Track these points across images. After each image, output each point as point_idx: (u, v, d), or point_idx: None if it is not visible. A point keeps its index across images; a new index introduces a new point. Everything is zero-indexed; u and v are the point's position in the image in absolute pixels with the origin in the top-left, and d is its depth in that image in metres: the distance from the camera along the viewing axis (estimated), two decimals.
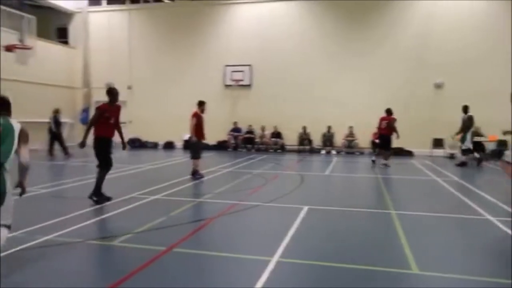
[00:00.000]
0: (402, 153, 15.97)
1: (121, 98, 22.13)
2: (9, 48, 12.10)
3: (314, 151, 17.42)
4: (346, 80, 17.51)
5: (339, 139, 17.47)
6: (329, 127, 17.47)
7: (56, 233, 4.95)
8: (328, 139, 17.48)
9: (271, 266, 3.91)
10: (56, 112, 15.02)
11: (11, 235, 4.79)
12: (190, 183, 9.09)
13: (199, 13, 19.18)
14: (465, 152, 12.67)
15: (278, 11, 18.32)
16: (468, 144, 12.50)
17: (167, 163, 13.20)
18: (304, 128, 17.61)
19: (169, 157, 14.70)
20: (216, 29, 19.02)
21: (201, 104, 9.99)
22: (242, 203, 6.90)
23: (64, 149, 14.77)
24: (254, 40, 18.46)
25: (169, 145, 19.16)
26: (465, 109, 12.55)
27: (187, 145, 10.02)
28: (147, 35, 19.92)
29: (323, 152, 17.23)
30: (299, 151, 17.53)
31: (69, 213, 5.97)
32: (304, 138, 17.72)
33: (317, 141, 17.72)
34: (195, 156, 9.75)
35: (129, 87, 19.88)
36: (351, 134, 17.34)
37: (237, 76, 18.55)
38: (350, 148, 17.24)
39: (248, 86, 18.66)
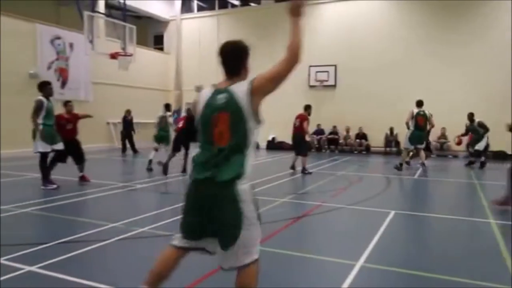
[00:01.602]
0: (506, 157, 14.48)
1: None
2: (113, 56, 13.35)
3: (401, 153, 16.55)
4: (437, 78, 16.44)
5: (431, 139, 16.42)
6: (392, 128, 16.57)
7: (150, 225, 5.37)
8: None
9: (355, 271, 3.84)
10: (127, 113, 16.29)
11: (112, 225, 5.34)
12: (273, 183, 9.23)
13: (284, 15, 19.17)
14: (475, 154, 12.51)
15: (364, 9, 17.79)
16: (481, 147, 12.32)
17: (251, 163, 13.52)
18: (391, 129, 16.86)
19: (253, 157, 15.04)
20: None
21: (307, 108, 10.96)
22: (325, 204, 6.85)
23: (132, 147, 16.01)
24: (339, 39, 18.15)
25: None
26: (472, 116, 12.61)
27: (294, 144, 10.97)
28: (234, 38, 20.35)
29: (411, 154, 16.33)
30: (385, 153, 16.84)
31: (163, 207, 6.43)
32: (391, 140, 16.97)
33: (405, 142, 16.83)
34: (305, 153, 10.64)
35: None
36: (443, 136, 16.21)
37: (322, 76, 18.39)
38: (442, 150, 16.12)
39: (333, 86, 18.39)
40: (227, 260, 2.63)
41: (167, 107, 12.00)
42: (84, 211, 6.52)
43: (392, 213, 6.22)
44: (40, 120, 7.65)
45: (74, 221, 5.70)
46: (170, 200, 7.24)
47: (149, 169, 10.89)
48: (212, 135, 2.50)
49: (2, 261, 3.93)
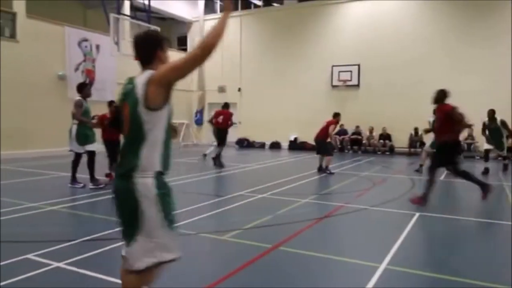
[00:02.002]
0: None
1: (231, 100, 23.46)
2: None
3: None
4: (460, 78, 16.02)
5: None
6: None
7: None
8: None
9: (378, 273, 3.79)
10: None
11: None
12: (295, 183, 9.20)
13: (306, 15, 19.28)
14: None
15: (387, 8, 17.53)
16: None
17: (273, 162, 13.54)
18: (416, 129, 16.53)
19: (275, 157, 15.04)
20: (324, 29, 18.92)
21: (336, 115, 11.22)
22: (348, 205, 6.78)
23: None
24: (362, 39, 17.94)
25: (275, 145, 19.60)
26: (493, 114, 11.04)
27: (317, 146, 11.24)
28: (257, 38, 20.65)
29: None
30: (409, 154, 16.53)
31: (185, 207, 6.50)
32: (415, 140, 16.64)
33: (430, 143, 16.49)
34: (330, 153, 10.81)
35: (239, 90, 20.85)
36: (470, 136, 15.78)
37: (345, 76, 18.22)
38: (469, 151, 15.70)
39: (356, 86, 18.19)
40: (124, 260, 2.46)
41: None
42: (108, 209, 6.65)
43: (417, 215, 6.10)
44: (76, 121, 7.88)
45: (99, 219, 5.83)
46: (192, 199, 7.31)
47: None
48: (124, 126, 2.45)
49: (31, 257, 4.06)
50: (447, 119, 6.65)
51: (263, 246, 4.55)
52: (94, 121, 8.38)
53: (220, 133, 12.18)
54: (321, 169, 10.80)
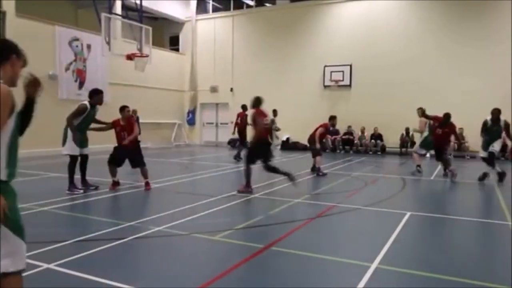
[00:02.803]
0: None
1: (223, 100, 23.36)
2: (129, 57, 13.49)
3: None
4: (454, 78, 16.22)
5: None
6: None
7: (166, 224, 5.42)
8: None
9: (370, 272, 3.81)
10: (132, 113, 16.26)
11: (128, 224, 5.41)
12: (287, 184, 9.21)
13: (299, 15, 19.34)
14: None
15: (380, 8, 17.66)
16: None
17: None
18: (407, 129, 16.65)
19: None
20: (316, 30, 18.99)
21: (331, 118, 11.23)
22: (340, 205, 6.82)
23: None
24: (355, 39, 18.04)
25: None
26: (498, 114, 9.68)
27: (310, 147, 11.47)
28: (249, 38, 20.66)
29: (428, 155, 16.10)
30: (401, 154, 16.65)
31: (178, 207, 6.49)
32: (407, 140, 16.76)
33: None
34: (319, 153, 10.75)
35: (231, 90, 20.83)
36: (461, 136, 15.92)
37: (337, 76, 18.30)
38: (460, 151, 15.84)
39: (348, 86, 18.28)
40: None
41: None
42: (101, 210, 6.61)
43: (408, 214, 6.15)
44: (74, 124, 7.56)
45: (91, 220, 5.79)
46: (186, 199, 7.30)
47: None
48: None
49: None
50: (254, 122, 8.00)
51: (255, 246, 4.55)
52: (103, 126, 8.12)
53: (239, 134, 13.62)
54: (314, 169, 10.85)
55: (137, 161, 8.13)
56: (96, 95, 7.73)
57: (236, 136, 14.07)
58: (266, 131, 8.09)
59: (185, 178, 9.89)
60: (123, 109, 8.15)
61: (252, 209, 6.62)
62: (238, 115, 13.80)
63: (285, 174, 7.96)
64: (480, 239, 5.25)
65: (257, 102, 8.26)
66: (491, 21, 15.81)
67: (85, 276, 3.63)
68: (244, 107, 13.62)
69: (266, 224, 5.67)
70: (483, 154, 9.69)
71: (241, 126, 13.47)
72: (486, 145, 9.63)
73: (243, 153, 12.14)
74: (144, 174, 8.11)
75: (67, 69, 15.65)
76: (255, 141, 7.97)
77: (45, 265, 3.86)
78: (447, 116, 10.33)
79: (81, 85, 16.17)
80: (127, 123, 8.12)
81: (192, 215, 6.00)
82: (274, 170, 8.03)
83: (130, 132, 8.02)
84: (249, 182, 7.89)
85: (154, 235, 5.00)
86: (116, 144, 8.13)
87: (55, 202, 6.72)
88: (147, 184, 8.09)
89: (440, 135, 10.30)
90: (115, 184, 7.99)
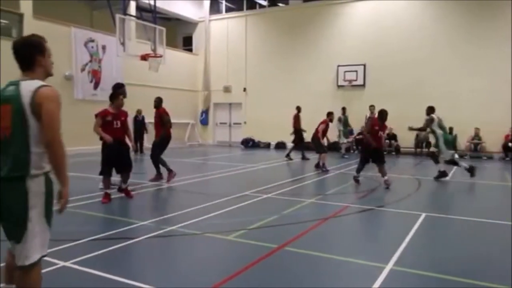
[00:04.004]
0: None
1: (236, 100, 23.36)
2: (143, 57, 13.61)
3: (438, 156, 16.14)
4: (468, 77, 15.94)
5: (462, 141, 15.93)
6: (451, 129, 15.96)
7: (179, 224, 5.46)
8: (449, 141, 15.97)
9: (384, 274, 3.77)
10: (137, 113, 16.42)
11: (142, 223, 5.45)
12: (300, 183, 9.20)
13: (312, 14, 19.26)
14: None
15: (393, 7, 17.46)
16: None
17: (279, 163, 13.52)
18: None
19: (281, 157, 15.02)
20: (329, 29, 18.88)
21: (329, 114, 12.02)
22: (353, 206, 6.77)
23: (140, 146, 16.12)
24: (368, 38, 17.88)
25: (280, 145, 19.57)
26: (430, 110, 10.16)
27: (313, 144, 11.97)
28: (262, 38, 20.65)
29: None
30: (415, 154, 16.45)
31: (191, 207, 6.52)
32: (422, 140, 16.55)
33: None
34: (324, 150, 11.35)
35: (245, 90, 20.86)
36: (477, 136, 15.67)
37: (350, 76, 18.16)
38: (476, 151, 15.59)
39: (362, 86, 18.13)
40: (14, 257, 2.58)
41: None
42: (114, 209, 6.68)
43: (423, 215, 6.07)
44: None
45: (105, 219, 5.86)
46: (199, 199, 7.33)
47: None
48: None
49: None
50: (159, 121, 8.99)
51: (268, 246, 4.55)
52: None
53: (295, 134, 14.44)
54: (318, 166, 11.18)
55: (128, 163, 7.14)
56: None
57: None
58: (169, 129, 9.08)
59: (198, 177, 9.93)
60: (116, 96, 7.11)
61: (265, 209, 6.61)
62: (295, 117, 14.51)
63: (167, 169, 8.80)
64: (497, 242, 5.15)
65: (160, 102, 9.22)
66: (507, 22, 15.48)
67: (100, 274, 3.68)
68: (298, 109, 14.61)
69: (279, 224, 5.66)
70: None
71: (294, 126, 14.38)
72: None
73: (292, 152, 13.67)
74: (127, 179, 7.17)
75: (82, 69, 15.86)
76: (163, 138, 8.94)
77: (62, 263, 3.92)
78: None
79: (96, 85, 16.37)
80: (119, 112, 7.09)
81: (205, 215, 6.02)
82: (157, 163, 8.90)
83: (124, 123, 7.06)
84: (159, 170, 8.90)
85: (167, 235, 5.03)
86: (103, 144, 6.94)
87: (71, 201, 6.81)
88: (128, 191, 7.21)
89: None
90: (108, 196, 6.92)
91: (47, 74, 2.75)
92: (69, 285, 3.37)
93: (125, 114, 7.26)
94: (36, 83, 2.54)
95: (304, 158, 14.22)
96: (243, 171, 11.25)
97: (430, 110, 10.28)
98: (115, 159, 6.89)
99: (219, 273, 3.80)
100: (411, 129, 10.42)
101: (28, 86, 2.50)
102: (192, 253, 4.53)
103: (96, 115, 6.95)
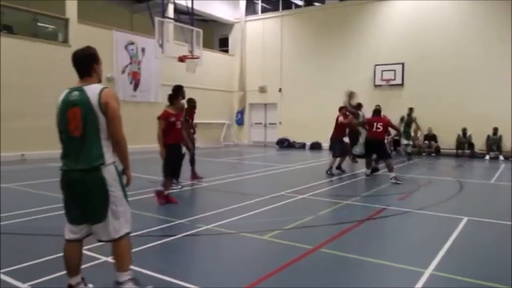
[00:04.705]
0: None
1: (271, 100, 23.40)
2: (181, 59, 13.89)
3: (475, 156, 15.54)
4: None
5: (508, 142, 15.20)
6: (496, 129, 15.31)
7: (215, 223, 5.53)
8: (494, 142, 15.32)
9: (424, 279, 3.66)
10: None
11: (178, 222, 5.56)
12: (336, 185, 9.09)
13: (348, 13, 18.97)
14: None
15: (434, 5, 16.90)
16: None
17: (314, 163, 13.42)
18: (464, 130, 15.81)
19: (316, 158, 14.91)
20: (366, 28, 18.54)
21: (340, 109, 11.12)
22: (391, 208, 6.61)
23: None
24: (407, 37, 17.43)
25: (316, 146, 19.42)
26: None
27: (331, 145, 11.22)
28: (298, 38, 20.56)
29: (487, 157, 15.23)
30: (457, 156, 15.85)
31: (226, 206, 6.59)
32: (464, 142, 15.92)
33: (479, 144, 15.75)
34: (336, 155, 10.62)
35: (280, 90, 20.84)
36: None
37: (388, 75, 17.75)
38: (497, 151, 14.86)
39: (400, 85, 17.68)
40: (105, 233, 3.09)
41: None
42: (152, 207, 6.84)
43: (465, 219, 5.85)
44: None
45: (143, 216, 6.02)
46: (234, 198, 7.40)
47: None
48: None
49: (83, 251, 4.26)
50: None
51: (304, 247, 4.53)
52: None
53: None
54: (339, 167, 10.72)
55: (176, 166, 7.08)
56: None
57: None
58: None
59: (234, 177, 10.02)
60: (177, 97, 7.20)
61: (301, 210, 6.58)
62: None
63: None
64: None
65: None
66: None
67: (137, 270, 3.78)
68: (358, 105, 13.19)
69: (315, 225, 5.62)
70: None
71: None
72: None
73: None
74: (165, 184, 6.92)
75: (123, 71, 16.40)
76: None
77: (104, 258, 4.07)
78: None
79: (136, 86, 16.88)
80: (179, 114, 7.13)
81: (240, 214, 6.07)
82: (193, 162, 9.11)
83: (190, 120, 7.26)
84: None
85: (203, 233, 5.11)
86: (167, 144, 6.76)
87: None
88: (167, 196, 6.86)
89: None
90: (166, 197, 6.84)
91: (99, 79, 3.16)
92: (110, 279, 3.48)
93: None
94: (98, 86, 3.00)
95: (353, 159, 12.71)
96: (278, 171, 11.24)
97: (358, 106, 10.91)
98: (178, 161, 7.01)
99: (253, 273, 3.82)
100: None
101: (93, 90, 2.95)
102: (227, 252, 4.58)
103: (159, 118, 6.80)
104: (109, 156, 2.98)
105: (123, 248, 3.11)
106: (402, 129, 14.47)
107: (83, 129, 2.90)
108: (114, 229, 3.01)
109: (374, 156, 10.14)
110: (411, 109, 14.90)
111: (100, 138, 2.94)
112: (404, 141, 15.04)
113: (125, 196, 3.10)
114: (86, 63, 3.07)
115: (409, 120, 14.91)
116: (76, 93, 2.97)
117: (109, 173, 2.97)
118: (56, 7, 14.51)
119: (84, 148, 2.91)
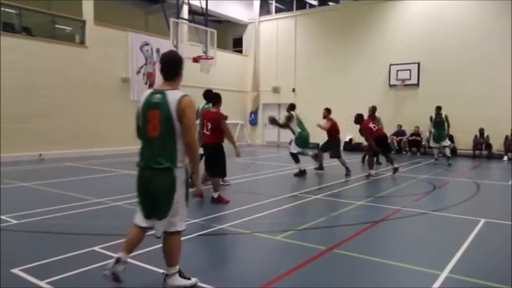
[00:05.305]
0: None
1: (285, 100, 23.34)
2: (195, 59, 13.97)
3: (493, 156, 15.25)
4: None
5: None
6: None
7: (229, 223, 5.55)
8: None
9: (439, 281, 3.62)
10: None
11: (193, 221, 5.60)
12: (350, 185, 9.03)
13: (362, 13, 18.82)
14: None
15: (450, 4, 16.64)
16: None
17: (328, 164, 13.33)
18: (481, 130, 15.54)
19: (329, 158, 14.80)
20: (380, 28, 18.36)
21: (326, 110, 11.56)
22: (406, 209, 6.54)
23: None
24: (423, 36, 17.20)
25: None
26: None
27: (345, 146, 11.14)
28: (312, 38, 20.48)
29: (505, 158, 14.94)
30: (474, 156, 15.59)
31: (240, 206, 6.61)
32: (481, 142, 15.64)
33: (497, 145, 15.46)
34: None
35: (293, 90, 20.79)
36: None
37: (403, 75, 17.55)
38: None
39: (415, 85, 17.46)
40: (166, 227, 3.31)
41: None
42: None
43: (482, 221, 5.75)
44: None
45: None
46: (248, 198, 7.41)
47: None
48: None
49: (97, 249, 4.33)
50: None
51: (317, 248, 4.51)
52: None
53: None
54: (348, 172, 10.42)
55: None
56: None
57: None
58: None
59: (247, 177, 10.03)
60: (219, 98, 7.34)
61: (315, 210, 6.56)
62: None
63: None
64: None
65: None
66: None
67: (152, 269, 3.83)
68: (374, 109, 13.42)
69: (328, 226, 5.59)
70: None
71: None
72: None
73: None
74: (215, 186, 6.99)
75: (138, 72, 16.57)
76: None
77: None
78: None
79: (150, 87, 17.00)
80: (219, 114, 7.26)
81: (254, 214, 6.08)
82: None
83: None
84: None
85: (217, 233, 5.14)
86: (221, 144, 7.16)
87: (127, 198, 7.14)
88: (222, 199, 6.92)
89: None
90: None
91: (179, 84, 3.38)
92: (125, 278, 3.53)
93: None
94: (179, 92, 3.20)
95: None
96: (292, 172, 11.21)
97: (290, 107, 10.93)
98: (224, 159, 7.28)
99: (266, 273, 3.82)
100: (272, 122, 10.85)
101: (173, 95, 3.16)
102: (240, 252, 4.59)
103: (225, 117, 7.19)
104: (181, 158, 3.20)
105: (174, 244, 3.32)
106: (433, 130, 13.32)
107: (160, 130, 3.13)
108: (170, 224, 3.25)
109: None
110: (439, 108, 13.39)
111: (175, 141, 3.16)
112: (432, 143, 13.52)
113: (187, 197, 3.32)
114: (173, 67, 3.30)
115: (439, 120, 13.24)
116: (158, 95, 3.18)
117: (179, 174, 3.19)
118: (73, 9, 14.75)
119: (160, 148, 3.15)
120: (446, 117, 13.14)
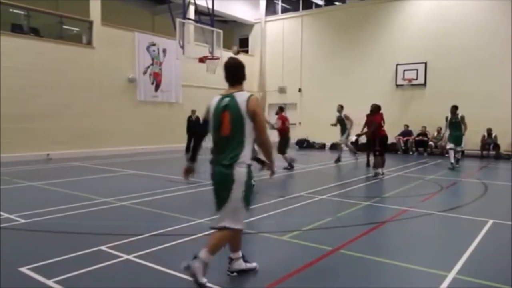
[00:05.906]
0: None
1: (291, 100, 23.32)
2: (201, 60, 13.98)
3: (501, 157, 15.12)
4: None
5: None
6: None
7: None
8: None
9: (446, 282, 3.59)
10: (192, 113, 15.45)
11: (199, 221, 5.61)
12: (356, 185, 9.00)
13: (369, 13, 18.76)
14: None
15: (457, 3, 16.52)
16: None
17: (327, 164, 13.31)
18: (489, 130, 15.41)
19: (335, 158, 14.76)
20: (387, 27, 18.29)
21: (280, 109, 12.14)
22: (413, 209, 6.50)
23: (188, 146, 14.42)
24: (430, 36, 17.11)
25: (335, 146, 19.22)
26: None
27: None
28: (318, 38, 20.44)
29: None
30: (481, 157, 15.46)
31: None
32: (489, 142, 15.52)
33: (505, 145, 15.32)
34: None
35: (300, 90, 20.77)
36: None
37: (410, 75, 17.46)
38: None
39: (422, 85, 17.37)
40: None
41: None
42: (174, 206, 6.92)
43: (490, 222, 5.71)
44: None
45: (165, 215, 6.10)
46: (257, 198, 7.40)
47: None
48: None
49: (104, 249, 4.36)
50: None
51: (323, 248, 4.50)
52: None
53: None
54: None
55: None
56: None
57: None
58: None
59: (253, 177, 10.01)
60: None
61: (321, 211, 6.55)
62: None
63: None
64: None
65: None
66: None
67: (158, 268, 3.84)
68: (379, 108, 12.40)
69: (334, 226, 5.58)
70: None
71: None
72: None
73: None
74: None
75: (144, 72, 16.64)
76: None
77: (125, 256, 4.14)
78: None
79: (157, 87, 17.10)
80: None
81: (259, 215, 6.07)
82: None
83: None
84: None
85: None
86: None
87: (134, 198, 7.18)
88: None
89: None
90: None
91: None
92: (131, 277, 3.55)
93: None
94: (246, 93, 3.42)
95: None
96: (297, 172, 11.20)
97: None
98: None
99: (272, 274, 3.82)
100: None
101: (241, 97, 3.39)
102: (246, 252, 4.58)
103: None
104: (246, 158, 3.36)
105: (219, 237, 3.44)
106: (447, 131, 12.58)
107: (231, 130, 3.34)
108: (219, 219, 3.44)
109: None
110: (455, 108, 12.28)
111: (244, 140, 3.35)
112: (449, 145, 12.31)
113: (246, 198, 3.40)
114: (238, 74, 3.55)
115: (454, 121, 12.26)
116: (227, 99, 3.41)
117: (239, 173, 3.32)
118: (80, 10, 14.85)
119: (228, 146, 3.34)
120: (462, 118, 12.15)
